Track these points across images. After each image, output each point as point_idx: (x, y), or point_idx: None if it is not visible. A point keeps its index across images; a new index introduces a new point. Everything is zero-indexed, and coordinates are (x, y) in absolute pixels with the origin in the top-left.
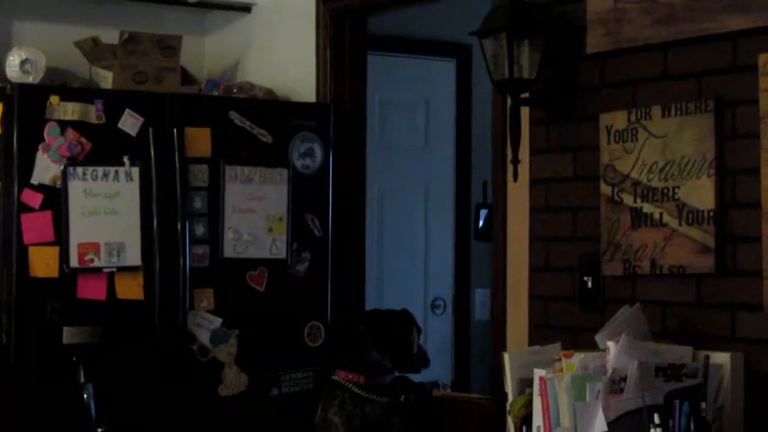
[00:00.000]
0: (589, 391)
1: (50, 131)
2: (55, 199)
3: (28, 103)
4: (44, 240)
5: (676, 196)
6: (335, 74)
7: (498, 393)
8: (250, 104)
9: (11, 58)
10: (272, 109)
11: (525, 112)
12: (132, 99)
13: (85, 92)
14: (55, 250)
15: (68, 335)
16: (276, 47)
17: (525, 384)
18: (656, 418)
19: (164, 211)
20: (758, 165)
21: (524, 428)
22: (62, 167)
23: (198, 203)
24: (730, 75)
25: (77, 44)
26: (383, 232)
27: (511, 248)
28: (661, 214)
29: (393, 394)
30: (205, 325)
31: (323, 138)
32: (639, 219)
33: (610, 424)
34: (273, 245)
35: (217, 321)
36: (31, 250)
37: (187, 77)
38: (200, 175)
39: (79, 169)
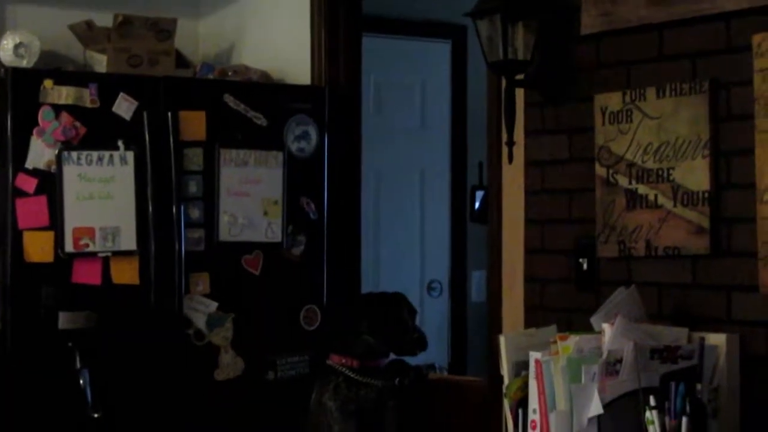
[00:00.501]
0: (584, 373)
1: (44, 115)
2: (50, 183)
3: (21, 87)
4: (39, 225)
5: (671, 178)
6: (330, 57)
7: (494, 376)
8: (245, 87)
9: (5, 41)
10: (267, 92)
11: (520, 93)
12: (126, 82)
13: (79, 76)
14: (50, 235)
15: (64, 320)
16: (271, 30)
17: (521, 366)
18: (652, 400)
19: (159, 195)
20: (752, 146)
21: (520, 411)
22: (57, 151)
23: (193, 187)
24: (724, 56)
25: (71, 28)
26: (379, 214)
27: (507, 230)
28: (656, 196)
29: (387, 377)
30: (200, 309)
31: (318, 121)
32: (634, 200)
33: (605, 406)
34: (268, 229)
35: (213, 305)
36: (26, 235)
37: (181, 60)
38: (195, 158)
39: (74, 154)
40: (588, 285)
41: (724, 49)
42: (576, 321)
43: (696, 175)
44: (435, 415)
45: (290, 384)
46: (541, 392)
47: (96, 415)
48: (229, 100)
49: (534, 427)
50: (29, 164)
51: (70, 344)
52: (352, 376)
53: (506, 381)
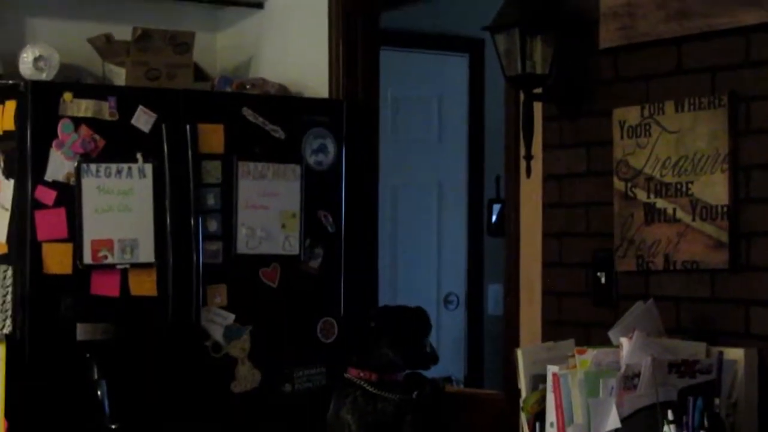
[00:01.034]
0: (602, 387)
1: (64, 128)
2: (69, 195)
3: (41, 100)
4: (58, 237)
5: (690, 192)
6: (348, 70)
7: (511, 389)
8: (263, 100)
9: (25, 55)
10: (285, 105)
11: (538, 107)
12: (145, 95)
13: (98, 89)
14: (68, 247)
15: (82, 332)
16: (289, 43)
17: (538, 380)
18: (670, 415)
19: (177, 208)
20: None
21: (537, 424)
22: (76, 164)
23: (211, 199)
24: (743, 70)
25: (90, 41)
26: (396, 227)
27: (524, 244)
28: (674, 210)
29: (405, 391)
30: (218, 321)
31: (336, 134)
32: (652, 214)
33: (623, 421)
34: (286, 241)
35: (230, 317)
36: (45, 246)
37: (199, 73)
38: (213, 171)
39: (93, 166)
40: (606, 299)
41: (743, 62)
42: (594, 335)
43: (715, 189)
44: (452, 428)
45: (307, 396)
46: (559, 406)
47: (113, 426)
48: (247, 113)
49: None
50: (48, 176)
51: (88, 355)
52: (370, 389)
53: (524, 394)
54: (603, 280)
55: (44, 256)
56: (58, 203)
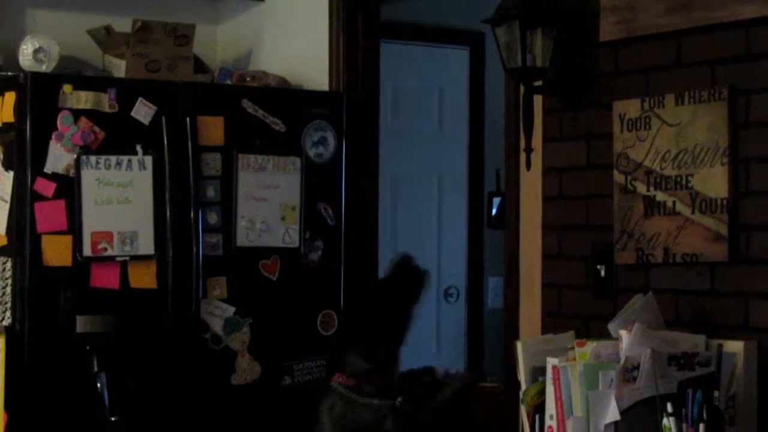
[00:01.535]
0: (601, 379)
1: (63, 120)
2: (69, 187)
3: (41, 92)
4: (57, 229)
5: (689, 185)
6: (348, 63)
7: (511, 381)
8: (263, 93)
9: (24, 46)
10: (285, 97)
11: (538, 100)
12: (145, 88)
13: (98, 81)
14: (68, 239)
15: (81, 324)
16: (289, 35)
17: (538, 372)
18: (669, 407)
19: (177, 200)
20: None
21: (537, 417)
22: (75, 156)
23: (211, 192)
24: (743, 63)
25: (90, 33)
26: (396, 219)
27: (524, 236)
28: (674, 203)
29: (391, 395)
30: (218, 313)
31: (336, 126)
32: (652, 207)
33: (622, 413)
34: (286, 234)
35: (230, 309)
36: (45, 238)
37: (200, 66)
38: (213, 163)
39: (92, 158)
40: (605, 292)
41: (743, 56)
42: (593, 327)
43: (714, 182)
44: (452, 420)
45: (307, 389)
46: (558, 398)
47: (113, 419)
48: (247, 105)
49: None
50: (48, 168)
51: (87, 348)
52: (347, 394)
53: (523, 387)
54: (603, 272)
55: (44, 248)
56: (57, 195)
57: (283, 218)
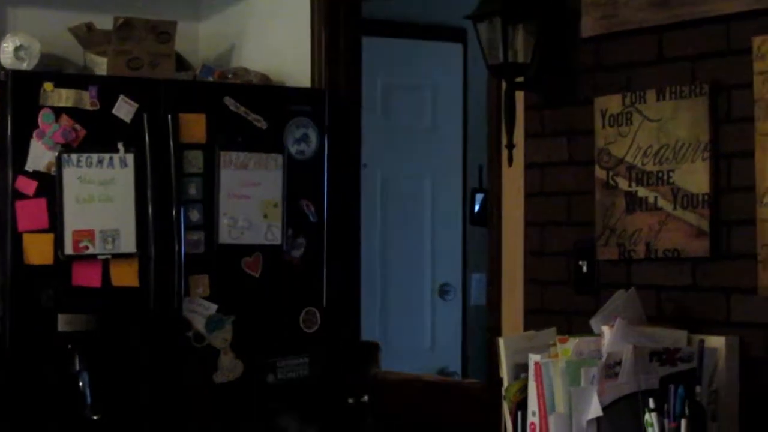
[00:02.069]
0: (584, 375)
1: (44, 118)
2: (50, 186)
3: (22, 90)
4: (39, 227)
5: (671, 180)
6: (330, 60)
7: (493, 378)
8: (245, 90)
9: (5, 44)
10: (267, 94)
11: (520, 96)
12: (126, 85)
13: (79, 78)
14: (49, 238)
15: (63, 323)
16: (271, 33)
17: (520, 369)
18: (651, 403)
19: (159, 198)
20: (752, 148)
21: (519, 413)
22: (57, 154)
23: (193, 189)
24: (724, 58)
25: (71, 30)
26: (387, 217)
27: (507, 233)
28: (655, 198)
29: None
30: (200, 311)
31: (318, 123)
32: (634, 203)
33: (605, 409)
34: (268, 231)
35: (213, 307)
36: (26, 237)
37: (181, 63)
38: (195, 161)
39: (74, 156)
40: (587, 287)
41: (724, 51)
42: (575, 323)
43: (696, 177)
44: (434, 417)
45: (290, 386)
46: (541, 395)
47: (95, 417)
48: (229, 102)
49: (533, 430)
50: (29, 166)
51: (69, 346)
52: None
53: (506, 383)
54: (585, 268)
55: (25, 246)
56: (38, 193)
57: (265, 216)
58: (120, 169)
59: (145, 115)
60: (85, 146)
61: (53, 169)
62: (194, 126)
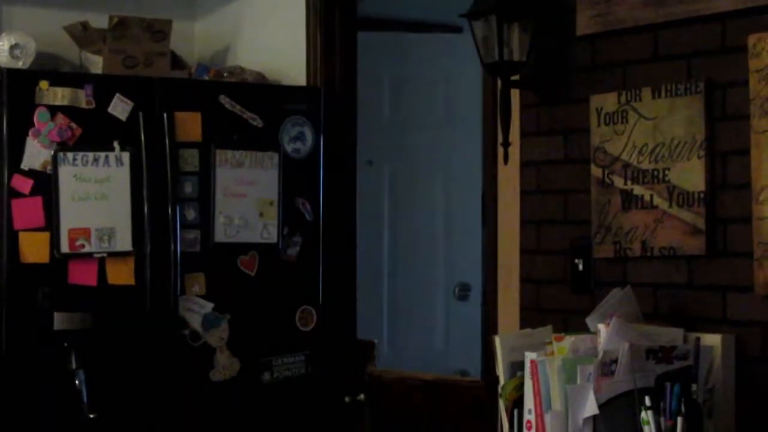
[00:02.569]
0: (580, 373)
1: (40, 116)
2: (46, 184)
3: (17, 88)
4: (35, 226)
5: (667, 178)
6: (326, 58)
7: (489, 376)
8: (241, 88)
9: (0, 43)
10: (263, 93)
11: (515, 94)
12: (122, 83)
13: (74, 77)
14: (45, 236)
15: (59, 321)
16: (266, 31)
17: (516, 367)
18: (647, 401)
19: (155, 196)
20: (748, 146)
21: (515, 411)
22: (52, 152)
23: (188, 188)
24: (720, 56)
25: (67, 29)
26: (397, 216)
27: (502, 231)
28: (651, 196)
29: None
30: (196, 309)
31: (314, 121)
32: (629, 201)
33: (601, 407)
34: (264, 229)
35: (209, 306)
36: (22, 235)
37: (177, 61)
38: (191, 159)
39: (69, 155)
40: (583, 286)
41: (719, 49)
42: (571, 322)
43: (691, 175)
44: (431, 416)
45: (286, 385)
46: (537, 393)
47: (92, 416)
48: (224, 101)
49: (529, 428)
50: (25, 165)
51: (65, 345)
52: None
53: (502, 381)
54: (581, 266)
55: (21, 245)
56: (34, 192)
57: (261, 214)
58: (116, 168)
59: (140, 114)
60: (80, 145)
61: (49, 168)
62: (190, 124)
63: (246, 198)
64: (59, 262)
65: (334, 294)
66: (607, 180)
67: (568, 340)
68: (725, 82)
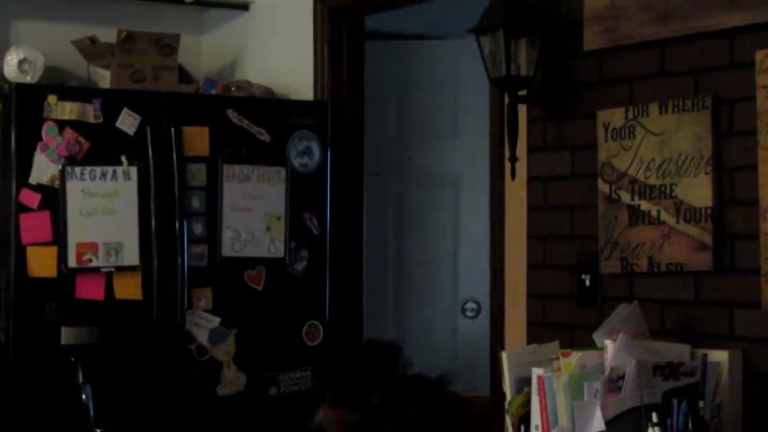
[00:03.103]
0: (587, 389)
1: (48, 131)
2: (54, 198)
3: (26, 103)
4: (42, 240)
5: (674, 194)
6: (333, 72)
7: (496, 391)
8: (248, 103)
9: (9, 57)
10: (270, 107)
11: (522, 109)
12: (130, 98)
13: (82, 91)
14: (53, 250)
15: (67, 335)
16: (274, 45)
17: (523, 383)
18: (654, 417)
19: (162, 211)
20: (755, 162)
21: (522, 427)
22: (60, 167)
23: (196, 202)
24: (727, 72)
25: (75, 43)
26: (404, 228)
27: (509, 246)
28: (658, 212)
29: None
30: (203, 324)
31: (321, 136)
32: (637, 216)
33: (608, 423)
34: (271, 244)
35: (216, 320)
36: (30, 250)
37: (184, 76)
38: (198, 174)
39: (77, 169)
40: (590, 301)
41: (726, 65)
42: (578, 337)
43: (699, 191)
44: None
45: (292, 399)
46: (544, 408)
47: (98, 430)
48: (232, 115)
49: None
50: (33, 179)
51: (72, 359)
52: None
53: (508, 397)
54: (587, 282)
55: (28, 259)
56: (42, 206)
57: (268, 228)
58: (123, 182)
59: (148, 128)
60: (88, 159)
61: (57, 182)
62: (197, 139)
63: (253, 212)
64: (66, 276)
65: (340, 309)
66: (614, 195)
67: (575, 356)
68: (732, 97)
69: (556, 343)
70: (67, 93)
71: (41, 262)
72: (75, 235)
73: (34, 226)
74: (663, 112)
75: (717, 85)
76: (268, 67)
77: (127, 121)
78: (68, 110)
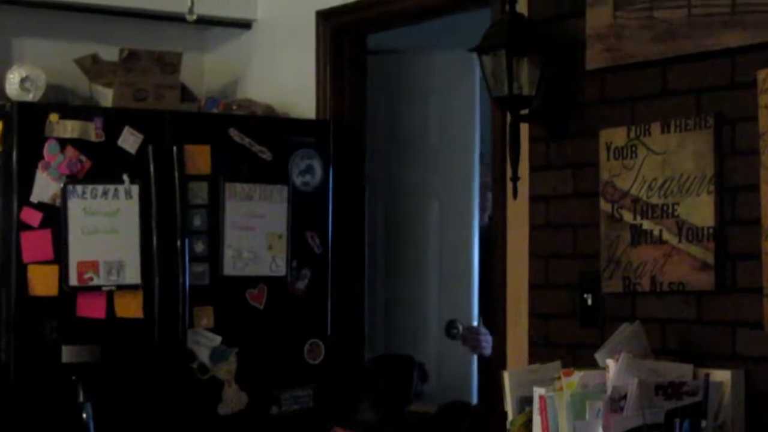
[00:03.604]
0: (589, 409)
1: (50, 149)
2: (55, 217)
3: (27, 121)
4: (43, 258)
5: (676, 213)
6: (335, 91)
7: (498, 411)
8: (250, 121)
9: (11, 75)
10: (272, 126)
11: (524, 128)
12: (131, 116)
13: (84, 110)
14: (54, 269)
15: (67, 354)
16: (276, 64)
17: (525, 402)
18: None
19: (164, 229)
20: (758, 182)
21: None
22: (62, 185)
23: (197, 221)
24: (729, 91)
25: (77, 62)
26: (392, 244)
27: (511, 265)
28: (660, 231)
29: None
30: (204, 343)
31: (323, 155)
32: (639, 236)
33: None
34: (273, 263)
35: (217, 339)
36: (31, 268)
37: (186, 94)
38: (200, 192)
39: (79, 187)
40: (592, 320)
41: (729, 84)
42: (580, 357)
43: (701, 210)
44: None
45: (294, 418)
46: (546, 428)
47: None
48: (234, 134)
49: None
50: (34, 198)
51: (73, 378)
52: None
53: (510, 416)
54: (589, 301)
55: (29, 278)
56: (43, 224)
57: (270, 247)
58: (125, 201)
59: (150, 147)
60: (90, 177)
61: (58, 201)
62: (199, 157)
63: (255, 231)
64: (68, 294)
65: (342, 327)
66: (616, 215)
67: (577, 376)
68: (735, 117)
69: (558, 363)
70: (68, 111)
71: (42, 281)
72: (76, 254)
73: (35, 244)
74: (665, 131)
75: (719, 105)
76: (270, 86)
77: (129, 140)
78: (70, 128)
